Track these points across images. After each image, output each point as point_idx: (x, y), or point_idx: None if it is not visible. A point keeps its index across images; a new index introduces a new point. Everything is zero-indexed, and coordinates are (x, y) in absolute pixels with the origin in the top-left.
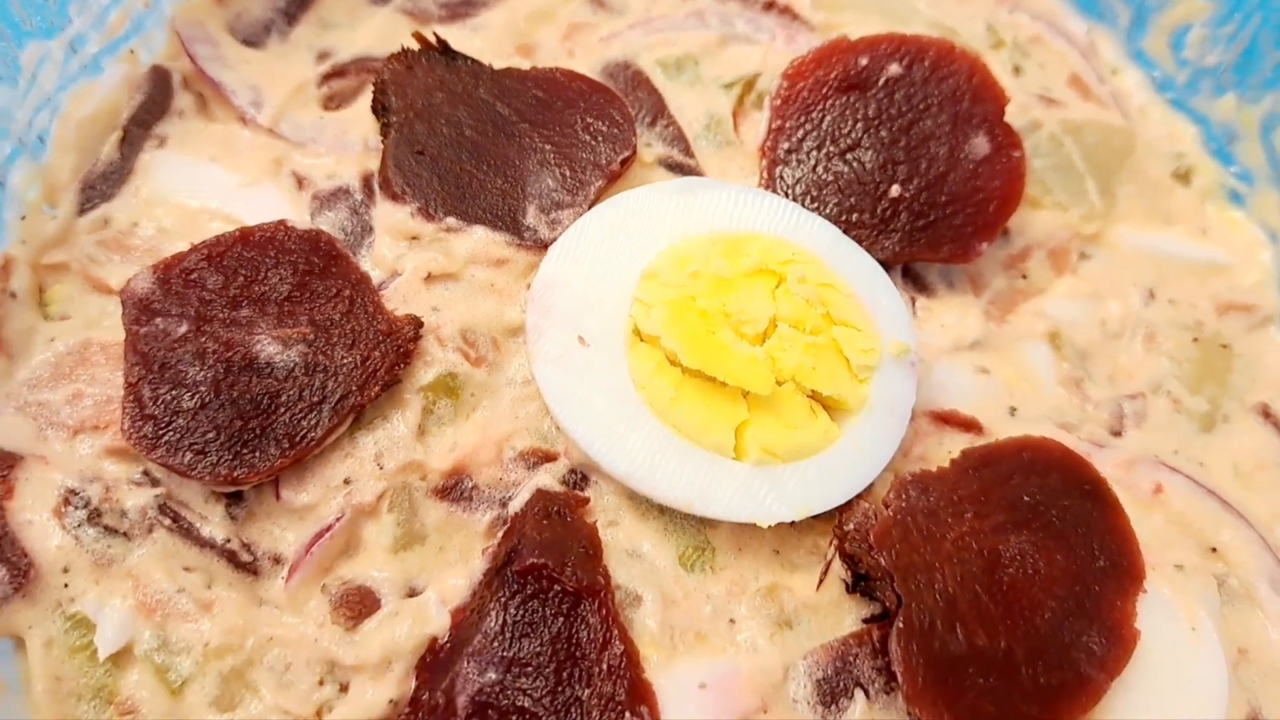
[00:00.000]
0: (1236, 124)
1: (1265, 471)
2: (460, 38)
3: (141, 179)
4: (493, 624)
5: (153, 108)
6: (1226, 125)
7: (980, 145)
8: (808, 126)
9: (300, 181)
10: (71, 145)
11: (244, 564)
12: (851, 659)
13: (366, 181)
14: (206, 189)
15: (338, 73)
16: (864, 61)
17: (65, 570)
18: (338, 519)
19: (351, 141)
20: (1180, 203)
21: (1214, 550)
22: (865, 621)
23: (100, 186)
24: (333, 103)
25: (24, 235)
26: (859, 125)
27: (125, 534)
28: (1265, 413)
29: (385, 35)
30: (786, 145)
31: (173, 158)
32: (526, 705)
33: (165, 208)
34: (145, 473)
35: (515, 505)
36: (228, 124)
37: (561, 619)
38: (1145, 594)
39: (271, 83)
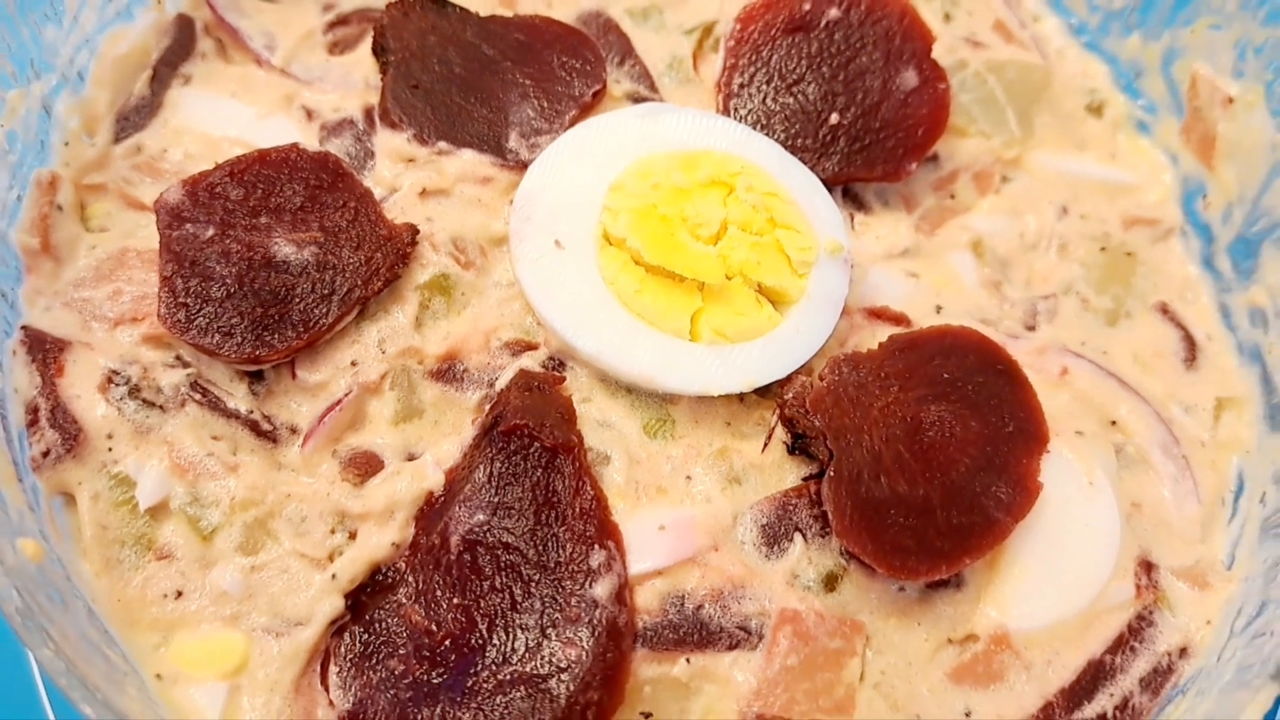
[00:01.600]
0: (1141, 60)
1: (1161, 358)
2: None
3: (169, 112)
4: (480, 476)
5: (179, 50)
6: (1133, 62)
7: (909, 78)
8: (758, 64)
9: (309, 114)
10: (107, 81)
11: (265, 433)
12: (791, 508)
13: (368, 113)
14: (227, 120)
15: (341, 21)
16: (807, 6)
17: (109, 437)
18: (346, 395)
19: (354, 80)
20: (1092, 131)
21: (1113, 423)
22: (804, 480)
23: (133, 118)
24: (337, 48)
25: (67, 159)
26: (803, 62)
27: (161, 407)
28: (1164, 310)
29: None
30: (739, 81)
31: (196, 94)
32: (510, 541)
33: (190, 136)
34: (177, 357)
35: (501, 383)
36: (244, 65)
37: (540, 470)
38: (1049, 454)
39: (283, 30)
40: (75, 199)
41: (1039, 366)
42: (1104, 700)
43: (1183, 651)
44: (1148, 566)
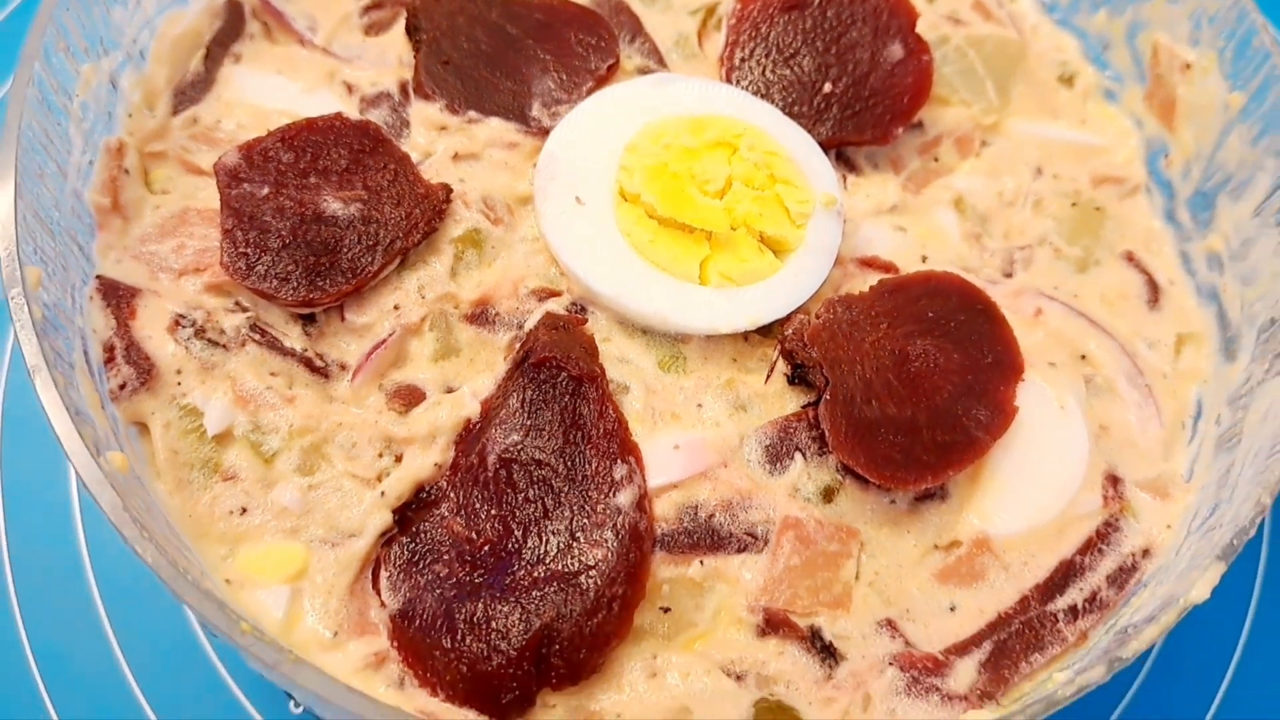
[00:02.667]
0: (1108, 34)
1: (1126, 300)
2: None
3: (222, 87)
4: (514, 403)
5: (229, 31)
6: (1100, 35)
7: (896, 51)
8: (757, 40)
9: (350, 88)
10: (166, 59)
11: (317, 369)
12: (792, 431)
13: (403, 88)
14: (274, 94)
15: (376, 5)
16: None
17: (178, 372)
18: (390, 335)
19: (389, 58)
20: (1064, 99)
21: (1083, 357)
22: (803, 407)
23: (189, 93)
24: (372, 30)
25: (130, 129)
26: (798, 37)
27: (224, 346)
28: (1130, 258)
29: None
30: (740, 55)
31: (246, 71)
32: (541, 458)
33: (242, 109)
34: (237, 302)
35: (529, 325)
36: (289, 45)
37: (567, 397)
38: (1024, 383)
39: (323, 13)
40: (140, 164)
41: (1015, 308)
42: (1074, 594)
43: (1145, 552)
44: (1114, 480)
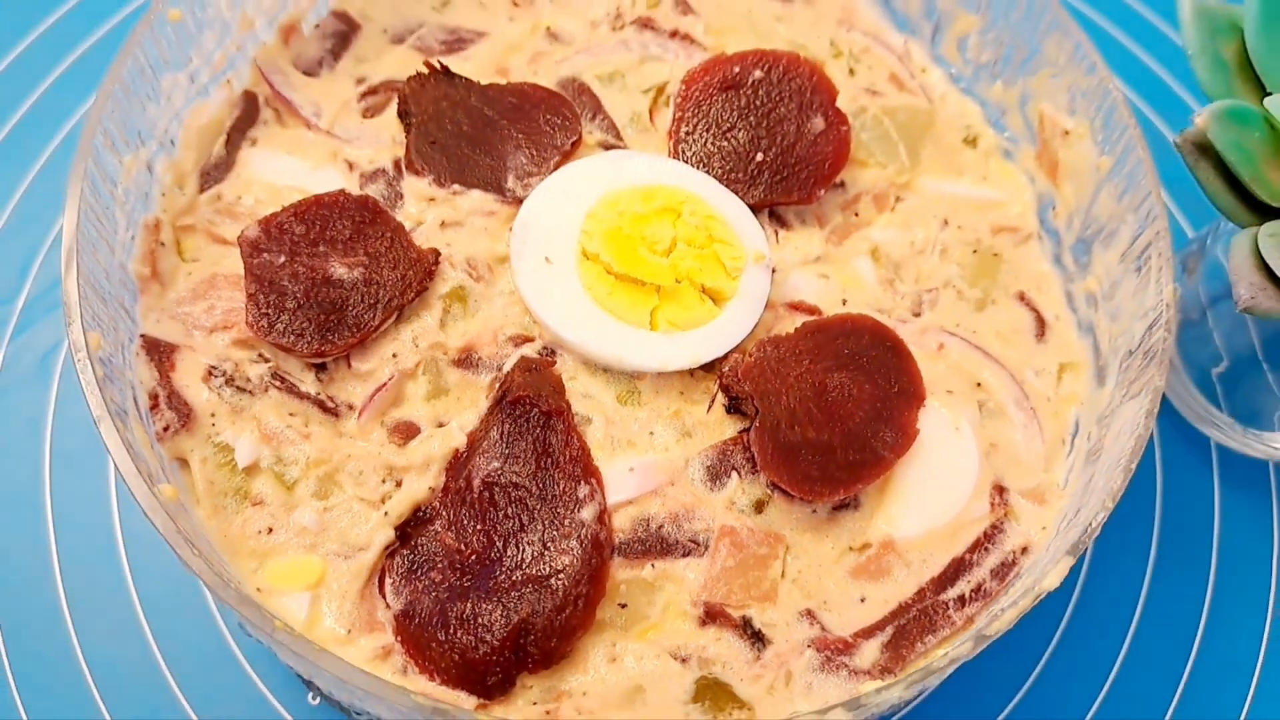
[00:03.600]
0: (1005, 102)
1: (1018, 335)
2: (455, 63)
3: (241, 167)
4: (495, 435)
5: (246, 119)
6: (999, 104)
7: (818, 123)
8: (699, 116)
9: (350, 165)
10: (193, 145)
11: (329, 409)
12: (729, 453)
13: (396, 164)
14: (286, 172)
15: (371, 91)
16: (737, 69)
17: (212, 415)
18: (390, 379)
19: (384, 138)
20: (968, 159)
21: (978, 385)
22: (739, 432)
23: (213, 174)
24: (369, 113)
25: (164, 207)
26: (734, 114)
27: (250, 392)
28: (1021, 297)
29: (403, 64)
30: (685, 129)
31: (261, 153)
32: (517, 481)
33: (259, 186)
34: (260, 354)
35: (506, 367)
36: (297, 129)
37: (539, 429)
38: (925, 408)
39: (326, 100)
40: (173, 237)
41: (921, 343)
42: (963, 585)
43: (1024, 550)
44: (1000, 490)
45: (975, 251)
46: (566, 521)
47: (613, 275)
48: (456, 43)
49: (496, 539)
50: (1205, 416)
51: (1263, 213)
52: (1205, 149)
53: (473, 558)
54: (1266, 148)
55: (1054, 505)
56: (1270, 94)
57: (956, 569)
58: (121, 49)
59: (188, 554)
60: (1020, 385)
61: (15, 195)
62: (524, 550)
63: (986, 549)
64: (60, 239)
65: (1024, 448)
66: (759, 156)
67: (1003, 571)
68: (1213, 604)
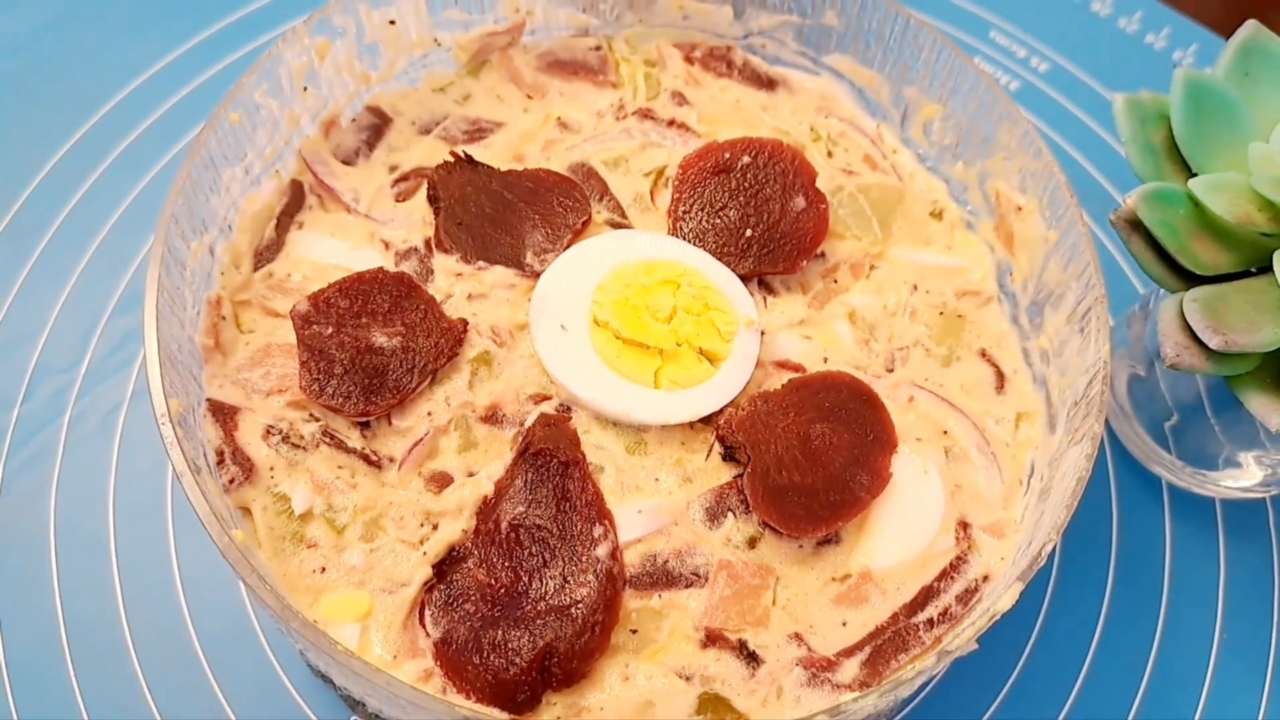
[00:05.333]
0: (965, 180)
1: (980, 387)
2: (477, 151)
3: (290, 248)
4: (519, 483)
5: (294, 205)
6: (960, 181)
7: (799, 202)
8: (694, 197)
9: (386, 245)
10: (248, 229)
11: (373, 462)
12: (725, 496)
13: (427, 243)
14: (329, 252)
15: (404, 178)
16: (728, 155)
17: (271, 469)
18: (426, 434)
19: (415, 220)
20: (935, 231)
21: (945, 432)
22: (734, 477)
23: (265, 254)
24: (401, 197)
25: (224, 285)
26: (726, 195)
27: (303, 448)
28: (984, 354)
29: (430, 153)
30: (683, 209)
31: (308, 235)
32: (540, 523)
33: (306, 264)
34: (310, 414)
35: (528, 422)
36: (338, 213)
37: (558, 477)
38: (898, 454)
39: (363, 186)
40: (232, 311)
41: (894, 396)
42: (931, 610)
43: (985, 578)
44: (964, 525)
45: (941, 313)
46: (584, 558)
47: (620, 340)
48: (477, 132)
49: (522, 574)
50: (1155, 458)
51: (1189, 279)
52: (1136, 225)
53: (502, 591)
54: (1190, 224)
55: (1011, 539)
56: (1195, 175)
57: (926, 595)
58: (191, 149)
59: (261, 590)
60: (982, 433)
61: (75, 272)
62: (547, 584)
63: (952, 578)
64: (118, 309)
65: (985, 488)
66: (748, 232)
67: (966, 597)
68: (1165, 623)
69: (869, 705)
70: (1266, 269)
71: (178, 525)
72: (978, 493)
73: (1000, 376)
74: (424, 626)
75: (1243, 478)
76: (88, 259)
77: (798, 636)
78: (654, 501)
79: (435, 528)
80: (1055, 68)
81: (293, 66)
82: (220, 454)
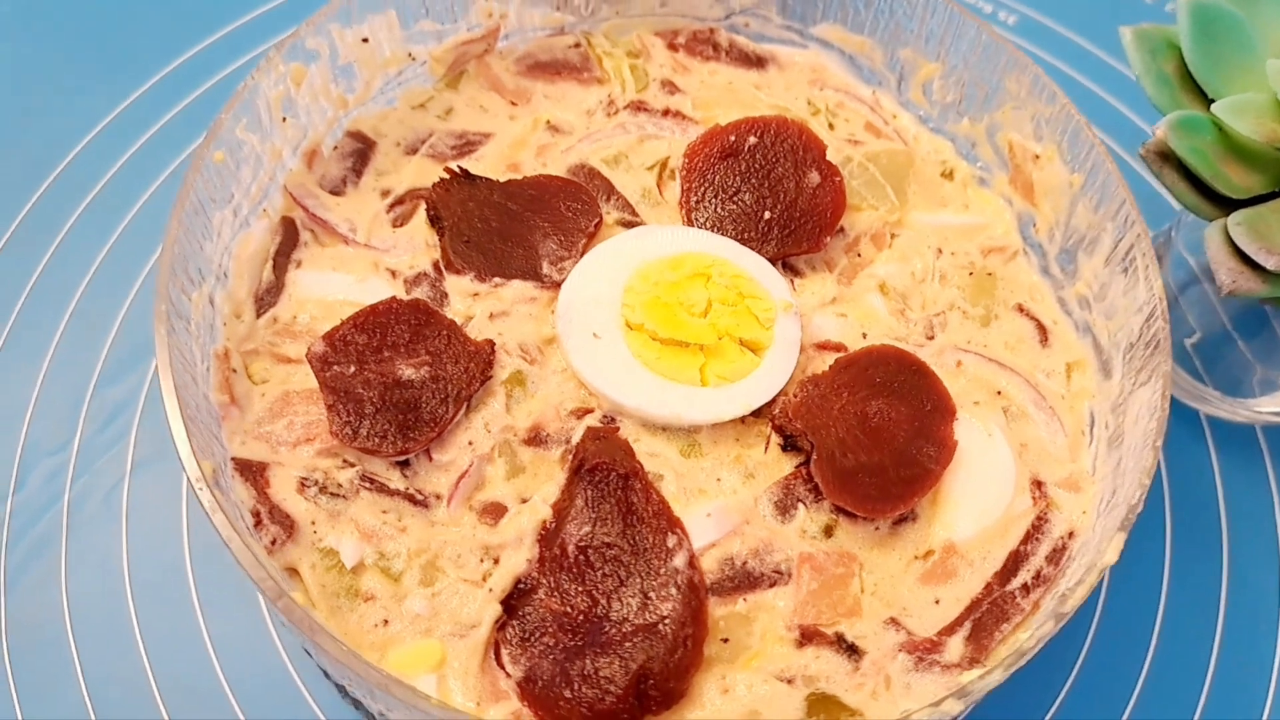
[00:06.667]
0: (973, 136)
1: (1023, 343)
2: (469, 165)
3: (291, 289)
4: (580, 502)
5: (288, 243)
6: (968, 138)
7: (814, 178)
8: (705, 185)
9: (393, 273)
10: (244, 274)
11: (419, 502)
12: (792, 487)
13: (436, 266)
14: (334, 288)
15: (399, 201)
16: (733, 138)
17: (312, 523)
18: (470, 465)
19: (418, 243)
20: (949, 191)
21: (999, 393)
22: (796, 467)
23: (266, 298)
24: (398, 222)
25: (228, 335)
26: (737, 179)
27: (343, 496)
28: (1020, 309)
29: (420, 172)
30: (695, 199)
31: (308, 273)
32: (609, 541)
33: (311, 304)
34: (344, 460)
35: (575, 439)
36: (336, 246)
37: (620, 490)
38: (958, 420)
39: (358, 215)
40: (242, 363)
41: (940, 363)
42: (1024, 575)
43: (1070, 534)
44: (1038, 484)
45: (971, 273)
46: (662, 571)
47: (659, 341)
48: (466, 146)
49: (599, 597)
50: (1192, 392)
51: (1225, 205)
52: (1166, 156)
53: (580, 618)
54: (1219, 148)
55: (1088, 491)
56: (1212, 100)
57: (1015, 561)
58: (180, 194)
59: (336, 650)
60: (1035, 388)
61: (52, 344)
62: (627, 604)
63: (1037, 539)
64: (103, 379)
65: (1050, 443)
66: (766, 215)
67: (1056, 557)
68: (1230, 558)
69: (994, 680)
70: None
71: (203, 598)
72: (1044, 449)
73: (1042, 330)
74: (502, 667)
75: (1275, 404)
76: (62, 329)
77: (894, 621)
78: (720, 503)
79: (497, 561)
80: (1023, 19)
81: (270, 96)
82: (256, 514)
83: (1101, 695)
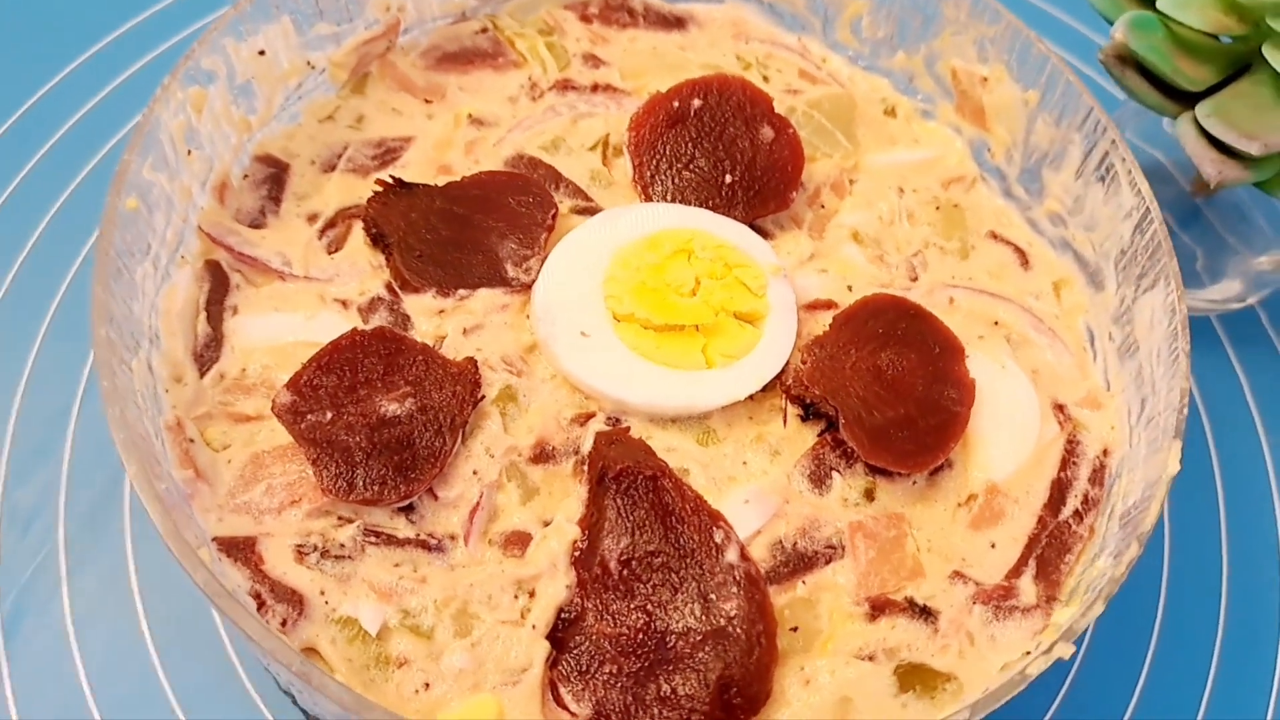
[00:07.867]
0: (910, 69)
1: (1006, 270)
2: (396, 173)
3: (232, 339)
4: (612, 513)
5: (218, 289)
6: (904, 72)
7: (767, 133)
8: (657, 157)
9: (344, 304)
10: (176, 331)
11: (433, 547)
12: (822, 456)
13: (389, 288)
14: (282, 330)
15: (330, 224)
16: (676, 104)
17: (322, 593)
18: (480, 497)
19: (362, 266)
20: (895, 128)
21: (996, 323)
22: (820, 435)
23: (206, 354)
24: (333, 247)
25: (174, 403)
26: (689, 145)
27: (348, 557)
28: (994, 235)
29: (344, 189)
30: (649, 173)
31: (247, 318)
32: (653, 549)
33: (259, 351)
34: (340, 517)
35: (585, 448)
36: (273, 284)
37: (650, 493)
38: (969, 358)
39: (288, 246)
40: (198, 431)
41: (933, 303)
42: (1072, 501)
43: (1105, 451)
44: (1060, 407)
45: (937, 208)
46: (716, 569)
47: (653, 329)
48: (387, 154)
49: (654, 610)
50: None
51: (1185, 100)
52: (1124, 59)
53: (639, 636)
54: (1171, 45)
55: (1109, 405)
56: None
57: (1060, 489)
58: (98, 252)
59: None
60: (1030, 311)
61: None
62: (687, 612)
63: (1075, 462)
64: (12, 479)
65: (1058, 365)
66: (728, 178)
67: (1097, 477)
68: (1219, 455)
69: (1095, 613)
70: (1241, 73)
71: (184, 704)
72: (1054, 372)
73: (1020, 253)
74: (565, 707)
75: (1225, 291)
76: None
77: (958, 574)
78: (754, 486)
79: (532, 595)
80: None
81: (171, 128)
82: (256, 596)
83: (1102, 696)
